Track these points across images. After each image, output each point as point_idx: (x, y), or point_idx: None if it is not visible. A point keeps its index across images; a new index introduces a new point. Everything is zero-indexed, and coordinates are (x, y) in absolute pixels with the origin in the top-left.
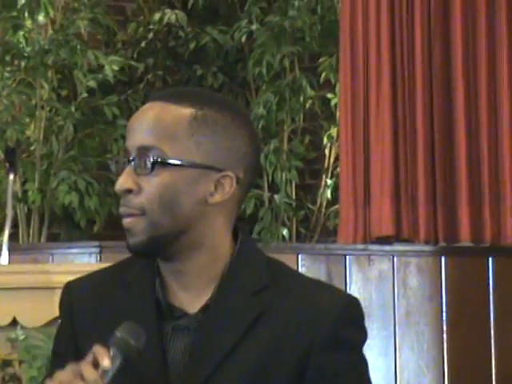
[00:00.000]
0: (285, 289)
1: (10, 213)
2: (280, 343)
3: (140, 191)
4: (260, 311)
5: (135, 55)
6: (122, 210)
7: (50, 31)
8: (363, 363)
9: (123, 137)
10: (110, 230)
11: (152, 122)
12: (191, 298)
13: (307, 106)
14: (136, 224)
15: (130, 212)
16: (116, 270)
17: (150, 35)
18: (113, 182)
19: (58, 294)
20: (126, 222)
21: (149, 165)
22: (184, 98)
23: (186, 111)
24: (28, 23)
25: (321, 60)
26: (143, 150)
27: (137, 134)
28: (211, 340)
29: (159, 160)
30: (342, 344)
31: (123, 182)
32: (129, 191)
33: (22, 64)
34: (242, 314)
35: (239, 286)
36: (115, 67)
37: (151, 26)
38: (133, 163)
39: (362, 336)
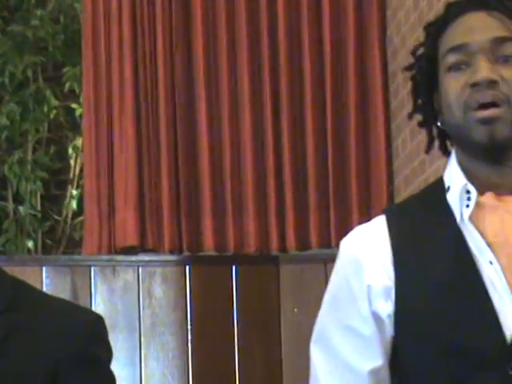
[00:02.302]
0: (31, 309)
1: None
2: (27, 364)
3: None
4: (5, 332)
5: None
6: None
7: None
8: (111, 379)
9: None
10: None
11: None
12: None
13: (52, 116)
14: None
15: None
16: None
17: None
18: None
19: None
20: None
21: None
22: None
23: None
24: None
25: (65, 70)
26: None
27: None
28: None
29: None
30: (89, 362)
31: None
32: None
33: None
34: None
35: None
36: None
37: None
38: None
39: (109, 352)
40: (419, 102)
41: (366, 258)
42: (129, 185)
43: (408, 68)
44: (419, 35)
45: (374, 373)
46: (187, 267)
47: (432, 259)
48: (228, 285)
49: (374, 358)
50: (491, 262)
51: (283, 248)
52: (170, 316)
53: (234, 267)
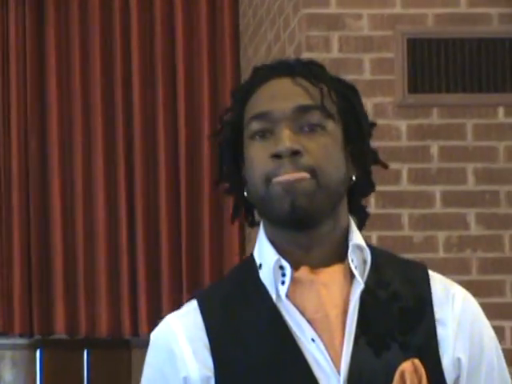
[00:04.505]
0: None
1: None
2: None
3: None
4: None
5: None
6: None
7: None
8: None
9: None
10: None
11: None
12: None
13: None
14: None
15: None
16: None
17: None
18: None
19: None
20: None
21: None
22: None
23: None
24: None
25: None
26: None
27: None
28: None
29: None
30: None
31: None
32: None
33: None
34: None
35: None
36: None
37: None
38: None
39: None
40: (225, 169)
41: (180, 348)
42: None
43: (214, 134)
44: None
45: None
46: (38, 351)
47: (250, 343)
48: (80, 369)
49: None
50: (313, 340)
51: (135, 332)
52: None
53: (85, 351)
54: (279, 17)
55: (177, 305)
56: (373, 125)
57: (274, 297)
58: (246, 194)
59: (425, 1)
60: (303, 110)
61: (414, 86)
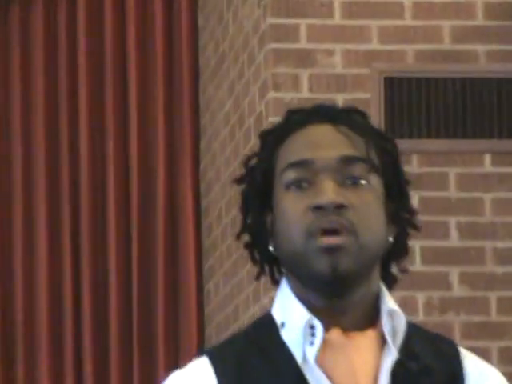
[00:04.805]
0: None
1: None
2: None
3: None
4: None
5: None
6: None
7: None
8: None
9: None
10: None
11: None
12: None
13: None
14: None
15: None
16: None
17: None
18: None
19: None
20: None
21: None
22: None
23: None
24: None
25: None
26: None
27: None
28: None
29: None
30: None
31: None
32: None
33: None
34: None
35: None
36: None
37: None
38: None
39: None
40: (249, 220)
41: None
42: None
43: (239, 181)
44: (235, 168)
45: None
46: None
47: None
48: None
49: None
50: None
51: None
52: None
53: None
54: (243, 52)
55: (126, 375)
56: (409, 182)
57: (299, 359)
58: (271, 248)
59: (404, 36)
60: (347, 161)
61: (392, 131)
